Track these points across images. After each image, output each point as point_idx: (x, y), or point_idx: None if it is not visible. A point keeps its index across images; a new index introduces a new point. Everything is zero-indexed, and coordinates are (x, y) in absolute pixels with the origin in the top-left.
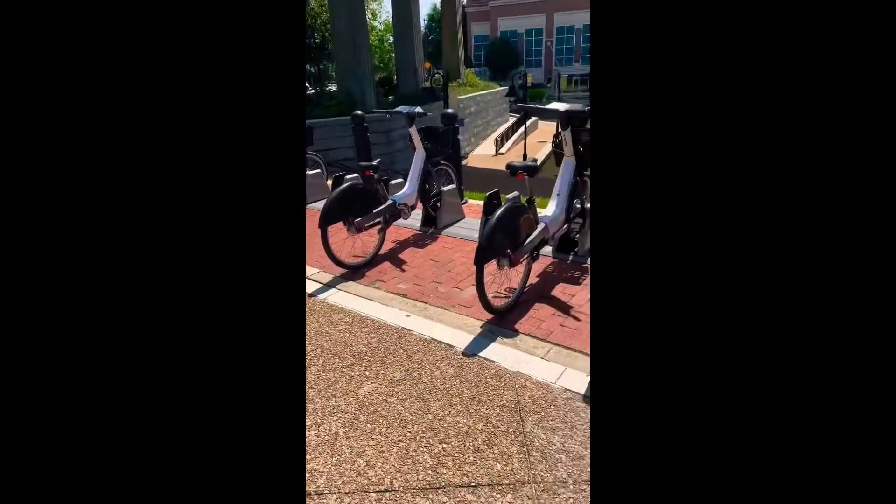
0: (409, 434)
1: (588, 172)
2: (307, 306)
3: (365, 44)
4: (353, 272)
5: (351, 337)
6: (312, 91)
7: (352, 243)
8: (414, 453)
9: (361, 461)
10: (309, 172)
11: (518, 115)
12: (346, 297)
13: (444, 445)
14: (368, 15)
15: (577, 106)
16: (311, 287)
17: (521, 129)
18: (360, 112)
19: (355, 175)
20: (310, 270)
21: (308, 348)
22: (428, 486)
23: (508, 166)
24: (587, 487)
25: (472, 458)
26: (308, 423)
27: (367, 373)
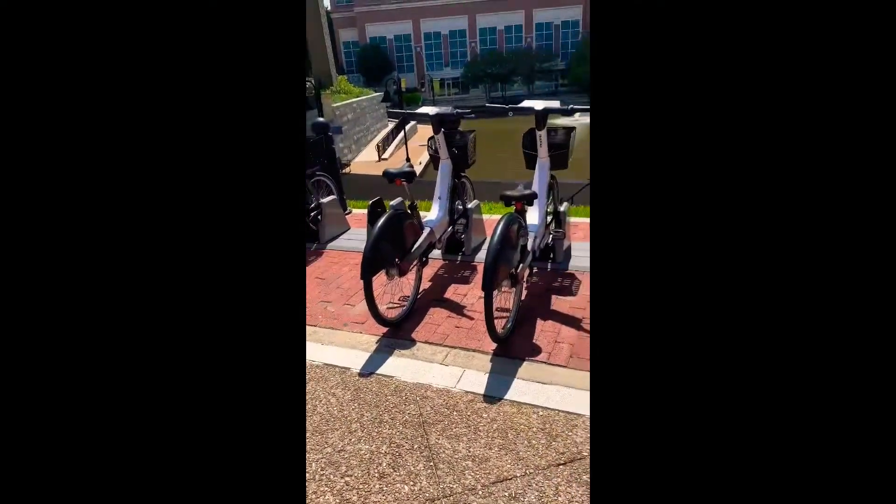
0: (307, 475)
1: (465, 173)
2: None
3: None
4: None
5: None
6: None
7: None
8: (314, 495)
9: None
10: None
11: (396, 120)
12: None
13: (347, 479)
14: None
15: (447, 109)
16: None
17: (401, 133)
18: None
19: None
20: None
21: None
22: None
23: (385, 173)
24: (495, 489)
25: (378, 485)
26: None
27: None
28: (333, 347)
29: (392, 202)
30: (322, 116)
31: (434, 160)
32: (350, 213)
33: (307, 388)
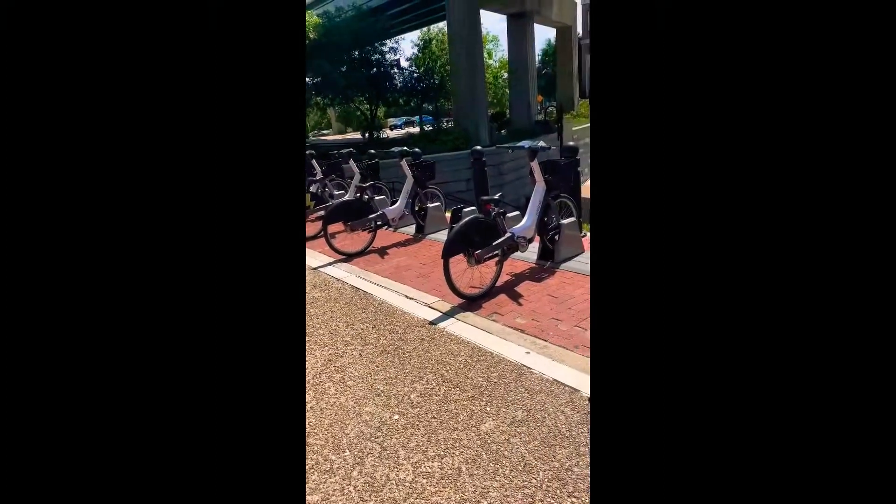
0: (534, 481)
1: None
2: (429, 334)
3: (481, 83)
4: (471, 303)
5: (470, 369)
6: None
7: (470, 274)
8: (540, 503)
9: (485, 502)
10: (430, 205)
11: None
12: (465, 328)
13: (573, 500)
14: (485, 54)
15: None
16: (431, 315)
17: None
18: (479, 147)
19: (473, 208)
20: (429, 299)
21: (430, 377)
22: None
23: None
24: None
25: None
26: (431, 454)
27: (488, 408)
28: (564, 366)
29: None
30: (561, 139)
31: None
32: (585, 235)
33: (538, 398)
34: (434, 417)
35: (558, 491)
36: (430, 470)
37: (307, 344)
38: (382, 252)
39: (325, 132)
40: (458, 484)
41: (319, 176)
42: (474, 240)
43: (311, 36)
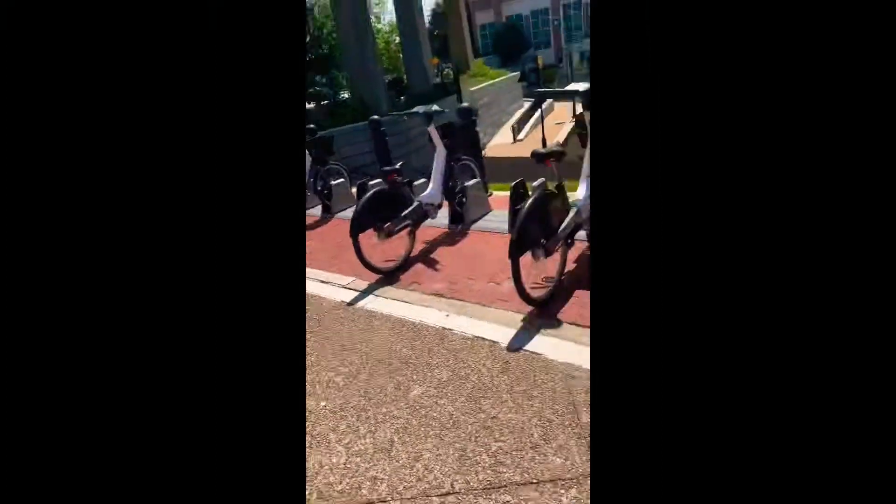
0: (463, 435)
1: None
2: (348, 315)
3: (372, 48)
4: (388, 277)
5: (394, 342)
6: (326, 101)
7: (382, 249)
8: (471, 454)
9: (420, 465)
10: (333, 182)
11: (533, 100)
12: (385, 303)
13: (501, 444)
14: (372, 19)
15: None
16: (348, 295)
17: (538, 113)
18: (376, 117)
19: (379, 181)
20: (345, 279)
21: (353, 356)
22: (490, 487)
23: (534, 154)
24: None
25: (530, 454)
26: (362, 431)
27: (414, 376)
28: (483, 322)
29: (534, 183)
30: (461, 101)
31: (582, 138)
32: (491, 195)
33: (459, 356)
34: (362, 396)
35: (486, 438)
36: (363, 447)
37: None
38: None
39: None
40: (392, 454)
41: None
42: (382, 213)
43: None
